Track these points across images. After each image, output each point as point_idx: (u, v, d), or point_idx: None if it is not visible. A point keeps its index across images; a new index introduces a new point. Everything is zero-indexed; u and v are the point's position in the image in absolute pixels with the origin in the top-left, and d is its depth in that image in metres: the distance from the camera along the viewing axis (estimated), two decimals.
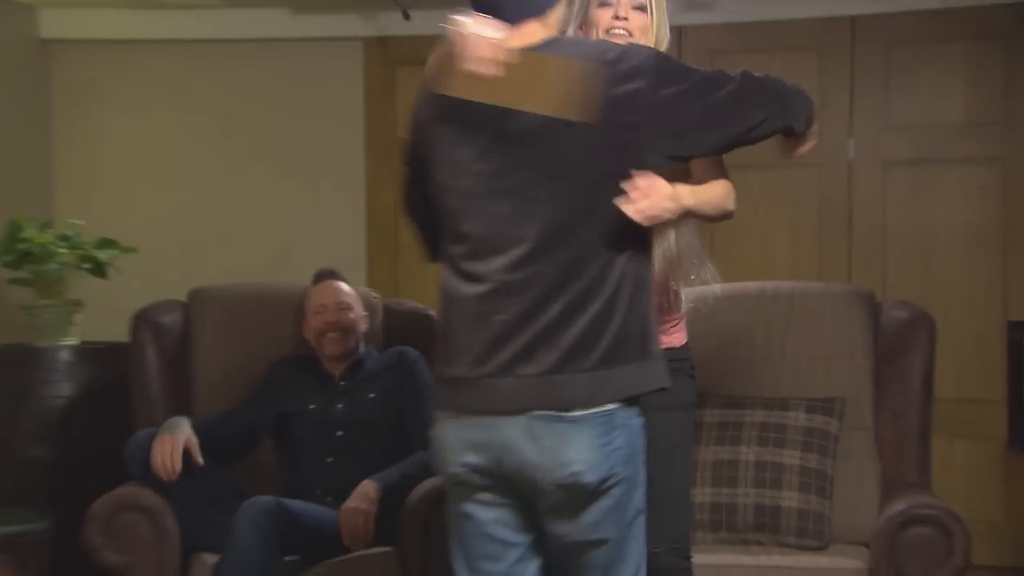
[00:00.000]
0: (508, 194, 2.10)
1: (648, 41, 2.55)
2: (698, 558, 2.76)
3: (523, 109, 2.09)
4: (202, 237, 5.27)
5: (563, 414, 2.06)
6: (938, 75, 4.96)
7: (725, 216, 2.35)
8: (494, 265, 2.10)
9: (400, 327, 3.79)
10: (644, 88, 2.08)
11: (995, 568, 4.61)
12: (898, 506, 3.12)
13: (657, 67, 2.11)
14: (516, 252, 2.09)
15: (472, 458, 2.13)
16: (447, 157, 2.17)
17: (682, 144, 2.12)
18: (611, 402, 2.08)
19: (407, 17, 4.64)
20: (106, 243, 4.39)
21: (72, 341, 4.31)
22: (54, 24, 5.50)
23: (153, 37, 5.41)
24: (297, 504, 3.21)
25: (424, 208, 2.27)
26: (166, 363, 3.66)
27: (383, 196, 5.27)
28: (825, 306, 3.43)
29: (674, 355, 2.50)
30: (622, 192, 2.06)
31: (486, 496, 2.16)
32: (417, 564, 3.21)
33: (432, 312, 3.88)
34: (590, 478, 2.07)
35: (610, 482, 2.09)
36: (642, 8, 2.54)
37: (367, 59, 5.37)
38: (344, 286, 3.63)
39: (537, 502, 2.13)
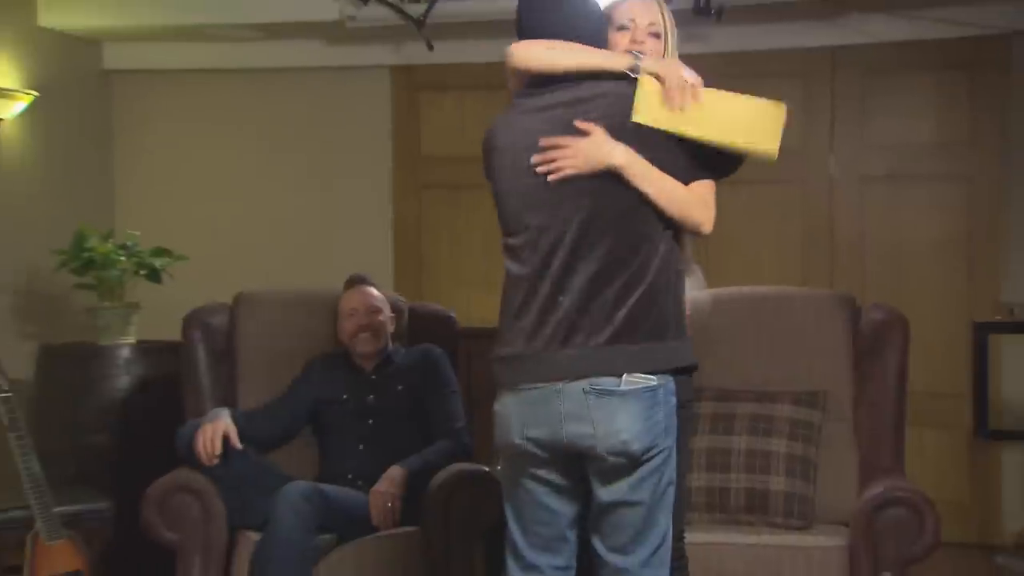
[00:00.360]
0: (567, 190, 2.18)
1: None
2: (694, 536, 2.74)
3: (712, 141, 2.20)
4: (246, 246, 5.27)
5: (614, 389, 2.12)
6: (910, 100, 4.96)
7: (687, 222, 2.26)
8: (554, 253, 2.17)
9: (424, 327, 3.78)
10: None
11: (962, 545, 4.58)
12: (875, 489, 3.08)
13: None
14: (571, 240, 2.16)
15: (534, 432, 2.17)
16: (509, 162, 2.26)
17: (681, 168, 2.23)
18: (656, 373, 2.15)
19: (430, 47, 4.63)
20: (160, 252, 4.38)
21: (130, 340, 4.30)
22: (116, 56, 5.52)
23: (202, 67, 5.42)
24: (330, 488, 3.19)
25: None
26: (214, 360, 3.64)
27: (408, 208, 5.26)
28: (809, 308, 3.40)
29: None
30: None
31: (542, 471, 2.21)
32: (439, 543, 3.19)
33: (452, 314, 3.87)
34: (636, 447, 2.13)
35: (652, 452, 2.16)
36: (657, 35, 2.50)
37: (394, 85, 5.36)
38: (373, 290, 3.61)
39: (587, 468, 2.18)
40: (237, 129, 5.45)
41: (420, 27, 4.63)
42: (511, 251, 2.26)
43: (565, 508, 2.25)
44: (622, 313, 2.14)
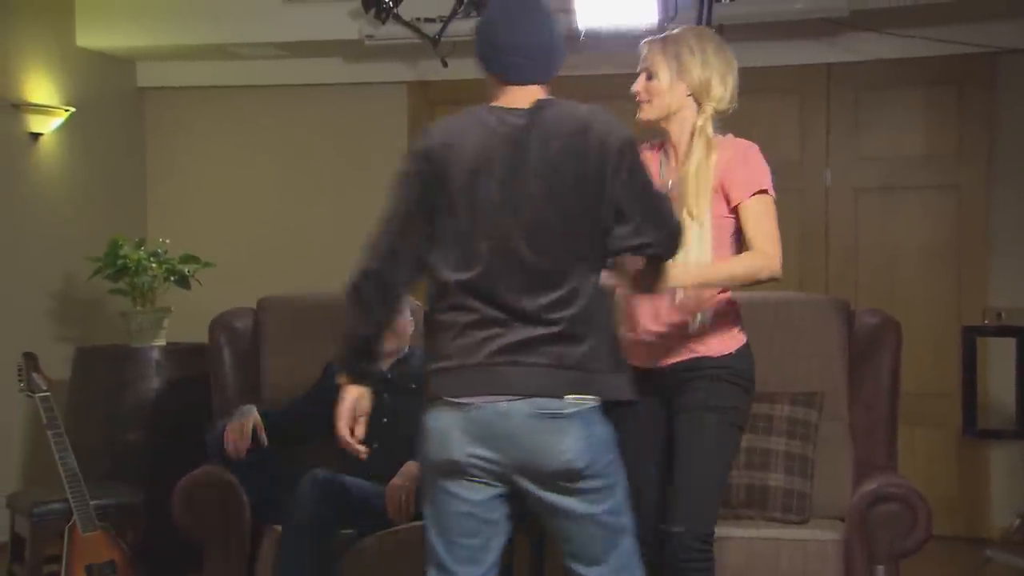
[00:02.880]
0: (514, 215, 2.12)
1: (663, 102, 2.52)
2: None
3: None
4: (269, 253, 5.27)
5: (559, 411, 2.06)
6: (901, 114, 4.94)
7: (758, 281, 2.43)
8: (500, 273, 2.09)
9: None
10: (622, 162, 2.12)
11: (952, 538, 4.55)
12: (869, 485, 3.06)
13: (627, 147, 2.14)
14: (517, 263, 2.09)
15: (478, 450, 2.08)
16: (464, 173, 2.15)
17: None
18: (594, 397, 2.10)
19: (445, 64, 4.62)
20: (189, 258, 4.38)
21: (161, 342, 4.30)
22: (148, 74, 5.54)
23: (230, 83, 5.43)
24: (349, 479, 3.17)
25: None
26: (239, 361, 3.63)
27: None
28: (806, 313, 3.37)
29: (711, 363, 2.48)
30: (596, 227, 2.12)
31: (478, 487, 2.12)
32: None
33: None
34: (580, 464, 2.08)
35: (596, 466, 2.10)
36: (649, 76, 2.52)
37: (410, 100, 5.36)
38: None
39: (530, 483, 2.11)
40: (262, 142, 5.45)
41: (435, 45, 4.63)
42: (455, 263, 2.12)
43: (495, 522, 2.16)
44: (567, 337, 2.08)
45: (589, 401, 2.09)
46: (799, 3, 4.41)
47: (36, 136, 4.85)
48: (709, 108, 2.50)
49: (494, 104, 2.19)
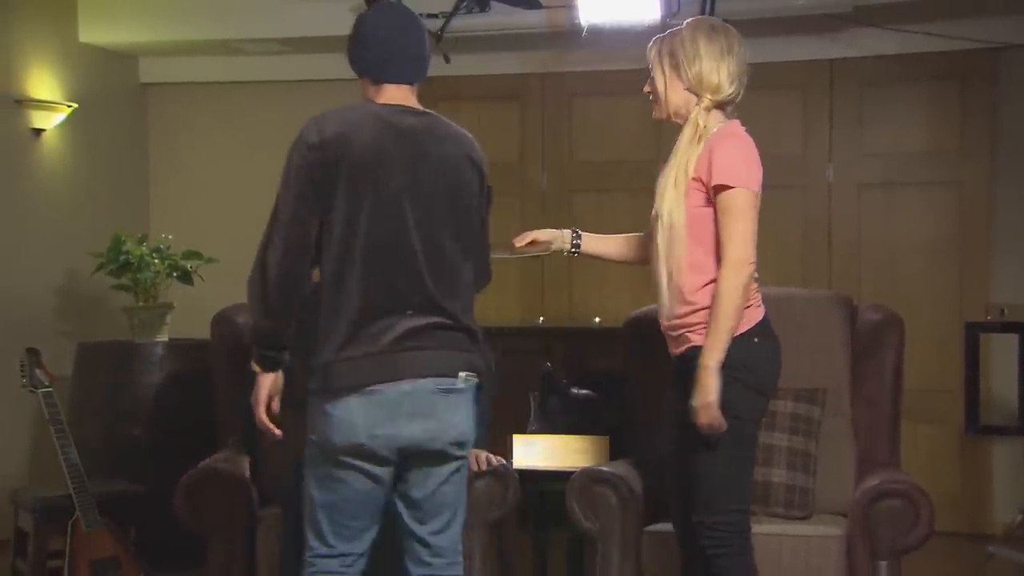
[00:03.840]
0: (409, 207, 2.26)
1: (665, 102, 2.54)
2: None
3: None
4: None
5: (454, 387, 2.24)
6: (904, 111, 4.93)
7: (747, 289, 2.44)
8: (398, 261, 2.23)
9: None
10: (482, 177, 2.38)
11: (953, 534, 4.54)
12: (872, 481, 3.05)
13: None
14: (413, 252, 2.24)
15: (381, 431, 2.20)
16: (363, 166, 2.27)
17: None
18: (480, 373, 2.29)
19: (447, 60, 4.61)
20: (192, 254, 4.38)
21: (164, 338, 4.30)
22: (151, 70, 5.53)
23: (232, 79, 5.43)
24: None
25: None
26: (241, 356, 3.62)
27: None
28: (809, 309, 3.36)
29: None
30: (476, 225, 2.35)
31: (376, 469, 2.24)
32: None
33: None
34: (470, 436, 2.31)
35: (473, 440, 2.34)
36: (652, 79, 2.56)
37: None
38: None
39: (413, 462, 2.26)
40: (264, 138, 5.44)
41: (438, 41, 4.62)
42: (353, 256, 2.22)
43: (381, 501, 2.30)
44: (456, 322, 2.27)
45: (474, 379, 2.30)
46: None
47: (39, 132, 4.85)
48: (706, 100, 2.50)
49: (380, 102, 2.33)
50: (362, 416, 2.20)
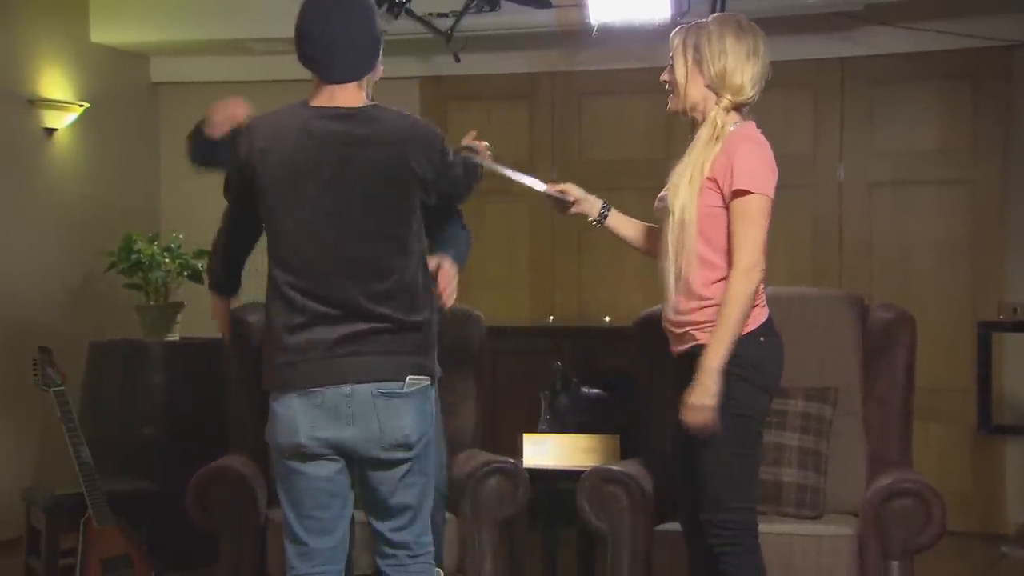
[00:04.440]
0: (337, 220, 2.28)
1: (682, 95, 2.52)
2: None
3: None
4: None
5: (399, 391, 2.26)
6: (915, 109, 4.91)
7: (755, 294, 2.45)
8: (331, 270, 2.25)
9: (452, 325, 3.74)
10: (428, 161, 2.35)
11: (966, 534, 4.53)
12: (884, 481, 3.04)
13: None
14: (345, 260, 2.26)
15: (321, 432, 2.25)
16: (282, 177, 2.31)
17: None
18: (428, 376, 2.31)
19: (457, 60, 4.61)
20: (203, 253, 4.37)
21: (175, 337, 4.31)
22: (162, 70, 5.55)
23: (242, 79, 5.42)
24: None
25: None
26: (251, 355, 3.62)
27: None
28: (820, 308, 3.35)
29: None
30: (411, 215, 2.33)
31: (324, 466, 2.29)
32: (472, 528, 3.17)
33: (478, 313, 3.82)
34: (414, 438, 2.30)
35: (423, 440, 2.33)
36: (673, 68, 2.54)
37: (423, 95, 5.36)
38: None
39: (366, 458, 2.29)
40: None
41: (448, 40, 4.62)
42: (285, 265, 2.28)
43: (340, 495, 2.34)
44: (397, 325, 2.27)
45: (423, 381, 2.30)
46: None
47: (51, 131, 4.87)
48: (726, 100, 2.48)
49: (314, 104, 2.31)
50: (303, 416, 2.25)
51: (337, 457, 2.30)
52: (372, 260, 2.27)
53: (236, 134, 2.40)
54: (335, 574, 2.38)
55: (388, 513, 2.35)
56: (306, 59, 2.32)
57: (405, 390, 2.27)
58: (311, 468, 2.29)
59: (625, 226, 2.74)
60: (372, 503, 2.37)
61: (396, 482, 2.32)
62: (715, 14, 2.59)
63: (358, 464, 2.32)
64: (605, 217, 2.72)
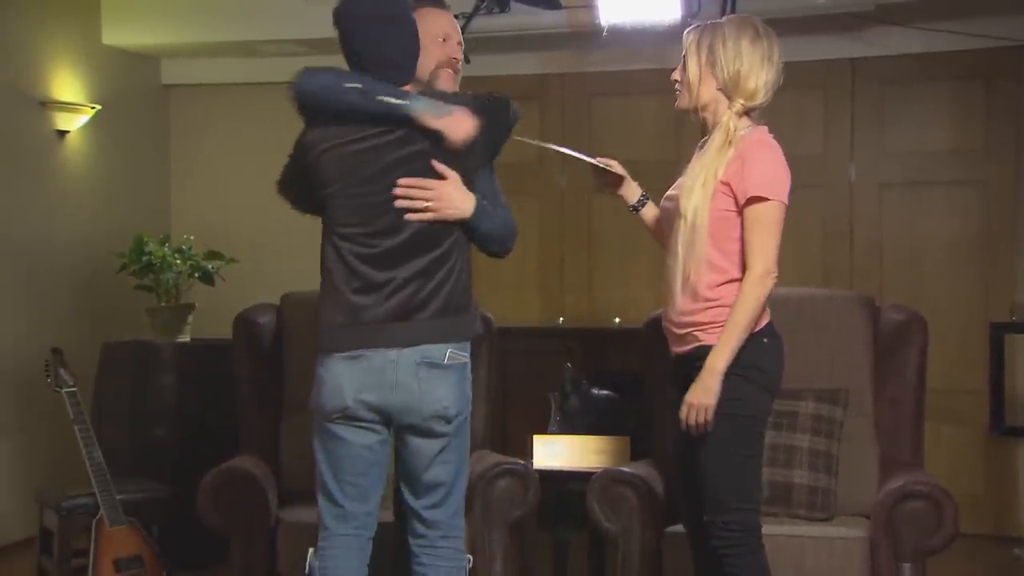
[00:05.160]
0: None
1: (693, 93, 2.52)
2: None
3: None
4: (293, 249, 5.26)
5: (440, 363, 2.34)
6: (927, 109, 4.90)
7: (765, 295, 2.45)
8: (387, 243, 2.34)
9: None
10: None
11: (978, 536, 4.51)
12: (895, 483, 3.03)
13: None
14: (401, 237, 2.35)
15: (366, 396, 2.33)
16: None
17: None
18: (466, 340, 2.38)
19: (467, 61, 4.59)
20: (213, 255, 4.40)
21: (186, 338, 4.33)
22: (173, 72, 5.57)
23: (252, 81, 5.45)
24: None
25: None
26: (262, 357, 3.65)
27: None
28: (831, 309, 3.34)
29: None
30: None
31: (367, 430, 2.37)
32: (482, 529, 3.17)
33: (489, 315, 3.83)
34: (452, 411, 2.37)
35: (461, 417, 2.40)
36: (685, 66, 2.54)
37: None
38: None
39: (405, 424, 2.36)
40: (285, 139, 5.42)
41: None
42: (350, 238, 2.37)
43: (380, 463, 2.42)
44: (444, 292, 2.35)
45: (463, 357, 2.38)
46: None
47: (63, 133, 4.90)
48: (738, 104, 2.48)
49: None
50: (349, 379, 2.32)
51: (379, 428, 2.37)
52: (430, 233, 2.34)
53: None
54: (367, 539, 2.45)
55: (423, 488, 2.40)
56: (364, 73, 2.39)
57: (446, 362, 2.34)
58: (354, 435, 2.36)
59: (653, 219, 2.75)
60: (408, 475, 2.42)
61: (432, 456, 2.38)
62: (730, 16, 2.58)
63: (396, 431, 2.38)
64: (644, 204, 2.74)
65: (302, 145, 2.47)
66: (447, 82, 2.53)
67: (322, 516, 2.44)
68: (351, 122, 2.35)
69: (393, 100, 2.31)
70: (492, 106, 2.44)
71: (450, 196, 2.35)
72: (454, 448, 2.41)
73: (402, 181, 2.34)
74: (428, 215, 2.34)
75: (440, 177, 2.35)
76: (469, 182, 2.40)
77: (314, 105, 2.39)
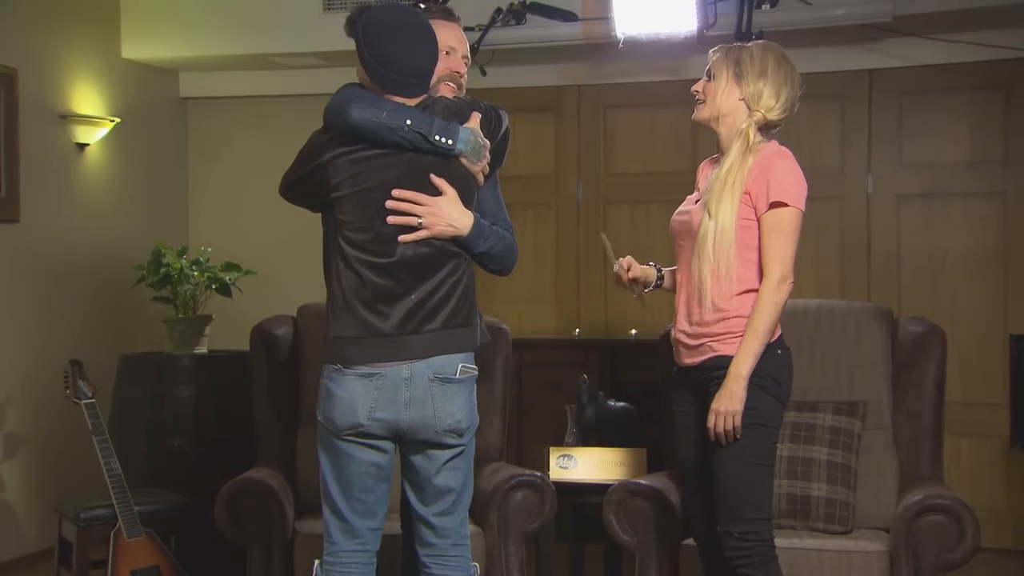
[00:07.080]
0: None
1: (716, 103, 2.57)
2: None
3: None
4: (310, 261, 5.28)
5: (452, 377, 2.36)
6: (945, 121, 4.88)
7: (783, 301, 2.48)
8: (398, 252, 2.34)
9: None
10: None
11: (999, 551, 4.47)
12: (915, 496, 3.01)
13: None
14: (411, 246, 2.35)
15: (380, 414, 2.33)
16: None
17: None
18: (472, 351, 2.40)
19: (484, 73, 4.63)
20: (231, 267, 4.42)
21: (203, 350, 4.34)
22: (191, 85, 5.61)
23: (270, 93, 5.49)
24: None
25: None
26: (279, 368, 3.66)
27: None
28: (849, 321, 3.33)
29: (728, 362, 2.49)
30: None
31: (378, 447, 2.38)
32: (499, 540, 3.17)
33: (505, 326, 3.83)
34: (465, 424, 2.40)
35: (472, 428, 2.44)
36: (710, 77, 2.60)
37: None
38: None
39: (415, 446, 2.39)
40: None
41: (474, 53, 4.64)
42: (358, 245, 2.35)
43: (386, 480, 2.44)
44: (452, 302, 2.37)
45: (472, 371, 2.40)
46: (840, 9, 4.38)
47: (83, 146, 4.94)
48: (758, 114, 2.55)
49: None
50: (363, 398, 2.32)
51: (388, 445, 2.39)
52: (437, 246, 2.36)
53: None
54: (373, 555, 2.46)
55: (432, 494, 2.42)
56: (388, 82, 2.39)
57: (458, 376, 2.36)
58: (363, 453, 2.37)
59: (671, 279, 2.79)
60: (416, 483, 2.44)
61: (442, 464, 2.40)
62: (758, 41, 2.67)
63: (408, 446, 2.40)
64: (662, 279, 2.77)
65: (318, 144, 2.44)
66: (447, 96, 2.54)
67: (328, 531, 2.45)
68: None
69: (443, 140, 2.32)
70: (493, 117, 2.46)
71: (446, 212, 2.34)
72: (463, 456, 2.43)
73: (396, 193, 2.33)
74: (422, 233, 2.33)
75: (437, 192, 2.35)
76: (471, 199, 2.41)
77: (361, 136, 2.35)
